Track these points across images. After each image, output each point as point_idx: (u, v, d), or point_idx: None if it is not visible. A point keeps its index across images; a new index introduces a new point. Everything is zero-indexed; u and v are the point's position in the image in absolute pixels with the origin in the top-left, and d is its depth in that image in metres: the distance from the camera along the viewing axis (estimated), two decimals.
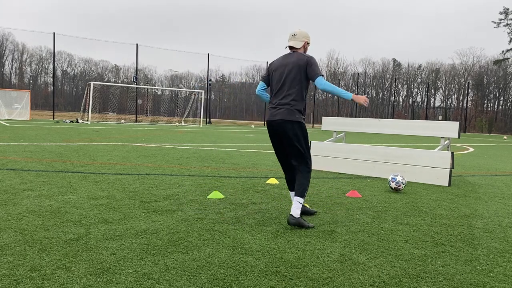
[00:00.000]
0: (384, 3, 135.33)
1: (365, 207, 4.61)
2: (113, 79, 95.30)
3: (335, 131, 8.18)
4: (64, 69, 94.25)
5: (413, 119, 39.69)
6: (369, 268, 2.73)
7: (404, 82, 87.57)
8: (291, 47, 3.91)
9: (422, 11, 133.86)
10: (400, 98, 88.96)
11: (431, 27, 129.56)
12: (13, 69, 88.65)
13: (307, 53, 3.97)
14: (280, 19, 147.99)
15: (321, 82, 3.67)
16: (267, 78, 3.96)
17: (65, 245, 2.91)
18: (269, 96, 4.02)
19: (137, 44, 37.34)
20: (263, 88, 4.00)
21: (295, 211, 3.60)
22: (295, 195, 3.68)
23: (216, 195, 4.78)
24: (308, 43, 3.97)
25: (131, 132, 18.90)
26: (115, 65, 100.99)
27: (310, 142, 3.74)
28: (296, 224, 3.58)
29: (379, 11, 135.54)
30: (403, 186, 5.63)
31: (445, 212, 4.57)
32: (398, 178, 5.63)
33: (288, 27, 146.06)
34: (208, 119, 43.15)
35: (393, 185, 5.64)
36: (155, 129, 22.97)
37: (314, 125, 54.73)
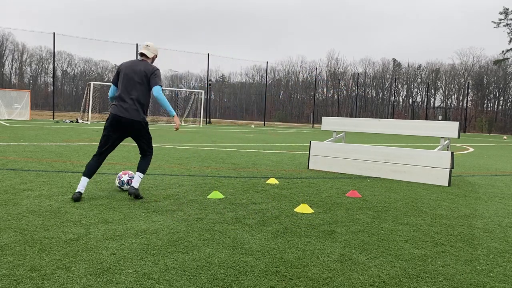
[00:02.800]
0: (385, 3, 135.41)
1: (365, 207, 4.61)
2: None
3: (335, 131, 8.18)
4: (64, 69, 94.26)
5: (413, 119, 39.70)
6: (369, 268, 2.73)
7: (404, 82, 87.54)
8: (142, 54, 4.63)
9: (422, 11, 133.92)
10: (400, 98, 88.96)
11: (431, 27, 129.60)
12: (13, 69, 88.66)
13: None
14: (280, 19, 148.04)
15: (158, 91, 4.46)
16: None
17: (65, 245, 2.91)
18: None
19: (137, 44, 37.32)
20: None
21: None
22: (138, 171, 4.60)
23: (216, 195, 4.78)
24: (156, 56, 4.73)
25: None
26: (115, 65, 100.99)
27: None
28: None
29: (379, 12, 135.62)
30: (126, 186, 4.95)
31: (445, 212, 4.57)
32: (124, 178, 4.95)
33: (288, 27, 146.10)
34: (208, 119, 43.15)
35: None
36: (155, 129, 22.98)
37: (314, 125, 54.72)
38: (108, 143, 4.47)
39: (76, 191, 4.35)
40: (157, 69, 4.53)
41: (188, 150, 10.50)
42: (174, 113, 4.59)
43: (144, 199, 4.53)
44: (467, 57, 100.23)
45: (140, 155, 4.73)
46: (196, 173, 6.62)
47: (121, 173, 5.00)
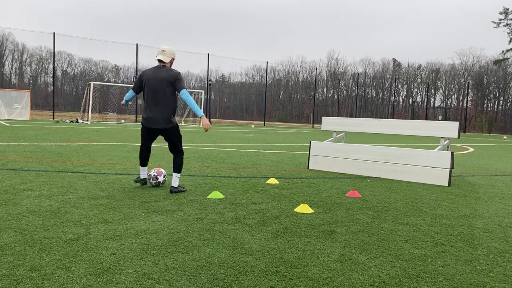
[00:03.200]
0: (385, 3, 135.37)
1: (365, 207, 4.61)
2: (113, 79, 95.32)
3: (335, 131, 8.18)
4: (64, 69, 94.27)
5: (413, 119, 39.69)
6: (369, 268, 2.73)
7: (404, 82, 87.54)
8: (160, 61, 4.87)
9: (422, 11, 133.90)
10: (400, 98, 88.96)
11: (431, 27, 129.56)
12: (13, 69, 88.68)
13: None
14: (280, 19, 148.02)
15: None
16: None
17: (65, 245, 2.91)
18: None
19: (137, 44, 37.35)
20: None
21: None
22: (175, 171, 4.97)
23: (216, 195, 4.78)
24: (174, 59, 4.93)
25: (131, 132, 18.90)
26: (115, 65, 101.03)
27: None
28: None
29: (379, 12, 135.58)
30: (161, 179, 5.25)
31: (445, 212, 4.57)
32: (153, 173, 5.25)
33: (288, 27, 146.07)
34: (208, 119, 43.10)
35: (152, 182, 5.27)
36: None
37: (314, 125, 54.71)
38: (146, 139, 5.13)
39: (141, 178, 5.19)
40: (179, 73, 4.80)
41: (188, 150, 10.50)
42: (202, 114, 4.83)
43: (144, 198, 4.53)
44: (467, 57, 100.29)
45: (172, 153, 5.14)
46: (196, 173, 6.62)
47: (155, 172, 5.26)
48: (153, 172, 5.25)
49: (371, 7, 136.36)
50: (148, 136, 5.07)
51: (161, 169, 5.35)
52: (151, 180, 5.23)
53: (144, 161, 5.20)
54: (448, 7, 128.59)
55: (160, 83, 4.69)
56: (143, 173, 5.20)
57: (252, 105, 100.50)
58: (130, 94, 5.05)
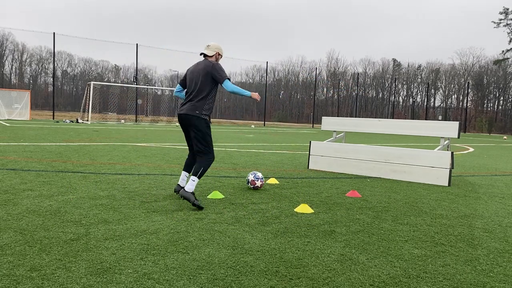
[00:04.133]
0: (385, 3, 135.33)
1: (365, 207, 4.61)
2: (113, 79, 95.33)
3: (335, 131, 8.18)
4: (64, 69, 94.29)
5: (413, 119, 39.67)
6: (369, 268, 2.73)
7: (404, 82, 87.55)
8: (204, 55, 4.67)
9: (422, 11, 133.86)
10: (400, 98, 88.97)
11: (431, 27, 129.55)
12: (13, 69, 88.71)
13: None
14: (280, 19, 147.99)
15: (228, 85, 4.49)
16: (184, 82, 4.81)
17: (65, 245, 2.91)
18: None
19: (137, 44, 37.33)
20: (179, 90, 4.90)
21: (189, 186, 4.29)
22: (192, 174, 4.39)
23: (216, 195, 4.78)
24: (220, 55, 4.71)
25: (131, 132, 18.90)
26: (115, 65, 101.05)
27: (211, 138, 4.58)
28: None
29: (379, 12, 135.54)
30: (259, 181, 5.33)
31: (445, 212, 4.57)
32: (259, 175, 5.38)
33: (288, 27, 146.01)
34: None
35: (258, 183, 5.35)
36: (155, 129, 22.98)
37: (314, 125, 54.70)
38: (187, 140, 4.84)
39: (177, 183, 4.85)
40: (216, 63, 4.52)
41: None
42: (250, 93, 4.62)
43: (144, 198, 4.53)
44: (467, 57, 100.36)
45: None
46: None
47: (252, 176, 5.34)
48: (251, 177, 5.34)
49: (371, 7, 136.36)
50: (185, 134, 4.75)
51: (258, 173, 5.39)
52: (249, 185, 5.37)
53: (185, 166, 4.89)
54: (448, 7, 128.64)
55: (197, 74, 4.53)
56: (181, 179, 4.81)
57: (252, 105, 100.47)
58: (177, 88, 4.88)
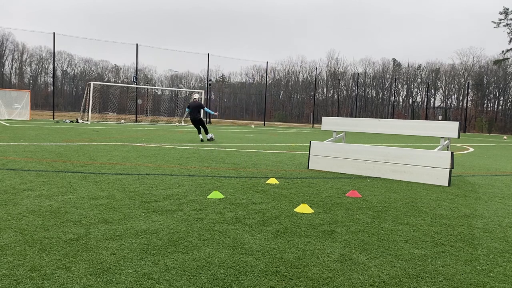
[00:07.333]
0: (385, 4, 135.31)
1: (365, 207, 4.61)
2: (113, 79, 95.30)
3: (335, 131, 8.18)
4: (64, 69, 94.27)
5: (413, 119, 39.65)
6: (369, 268, 2.73)
7: (404, 82, 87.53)
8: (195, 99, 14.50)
9: (422, 11, 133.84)
10: (400, 98, 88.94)
11: (431, 27, 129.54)
12: (13, 69, 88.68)
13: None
14: (280, 19, 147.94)
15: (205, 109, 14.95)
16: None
17: (65, 245, 2.91)
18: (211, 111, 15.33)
19: (137, 44, 37.33)
20: (188, 111, 14.80)
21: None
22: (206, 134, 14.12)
23: (216, 195, 4.78)
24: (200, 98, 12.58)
25: (131, 132, 18.90)
26: (115, 65, 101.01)
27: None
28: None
29: (379, 12, 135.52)
30: None
31: (445, 212, 4.57)
32: None
33: (288, 27, 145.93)
34: (208, 119, 43.14)
35: None
36: (155, 129, 22.98)
37: (314, 125, 54.68)
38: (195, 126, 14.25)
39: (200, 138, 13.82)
40: (202, 104, 12.29)
41: (188, 150, 10.50)
42: (214, 113, 11.51)
43: (144, 198, 4.53)
44: (467, 57, 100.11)
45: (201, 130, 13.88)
46: (196, 173, 6.62)
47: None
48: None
49: (371, 7, 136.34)
50: (194, 124, 13.84)
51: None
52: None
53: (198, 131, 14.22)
54: (448, 7, 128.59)
55: (195, 107, 14.16)
56: (201, 135, 13.73)
57: (252, 105, 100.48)
58: (187, 109, 12.50)
